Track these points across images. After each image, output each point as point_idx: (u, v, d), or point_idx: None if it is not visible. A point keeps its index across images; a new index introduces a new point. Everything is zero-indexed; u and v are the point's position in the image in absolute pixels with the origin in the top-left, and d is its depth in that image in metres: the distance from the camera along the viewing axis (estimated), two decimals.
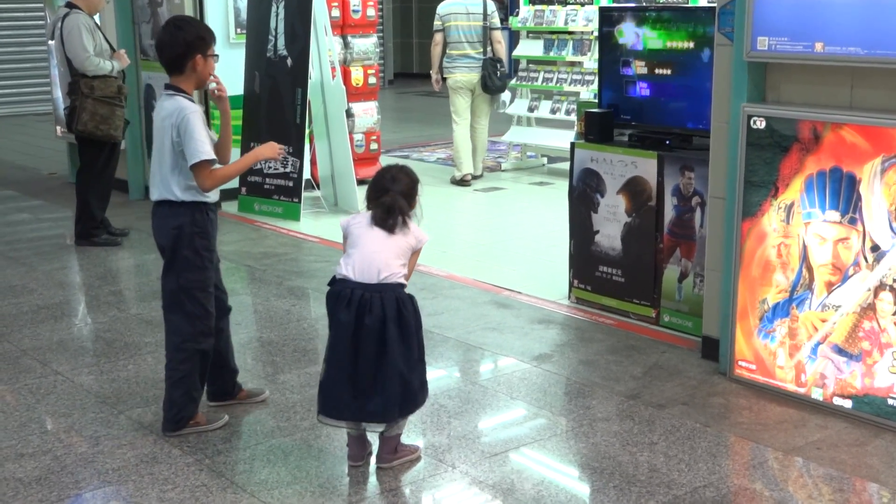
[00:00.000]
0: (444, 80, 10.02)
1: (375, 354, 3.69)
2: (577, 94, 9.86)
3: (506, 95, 10.16)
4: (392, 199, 3.77)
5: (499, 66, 9.74)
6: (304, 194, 8.31)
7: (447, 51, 9.85)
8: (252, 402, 4.46)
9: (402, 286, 3.77)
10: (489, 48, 9.78)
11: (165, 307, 4.20)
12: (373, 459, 3.92)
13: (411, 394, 3.77)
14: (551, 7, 10.12)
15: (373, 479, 3.85)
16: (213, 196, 4.14)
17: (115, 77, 7.29)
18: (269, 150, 4.29)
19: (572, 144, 5.86)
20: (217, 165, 4.09)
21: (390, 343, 3.68)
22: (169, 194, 4.07)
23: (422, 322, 3.83)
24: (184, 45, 4.04)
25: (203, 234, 4.12)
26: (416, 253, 3.84)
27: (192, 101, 4.07)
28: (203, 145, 3.97)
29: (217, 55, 4.17)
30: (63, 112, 7.81)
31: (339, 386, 3.74)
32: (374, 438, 3.94)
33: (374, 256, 3.73)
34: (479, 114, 9.98)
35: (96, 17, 7.62)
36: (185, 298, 4.13)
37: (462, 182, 9.84)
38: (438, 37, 9.89)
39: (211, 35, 4.16)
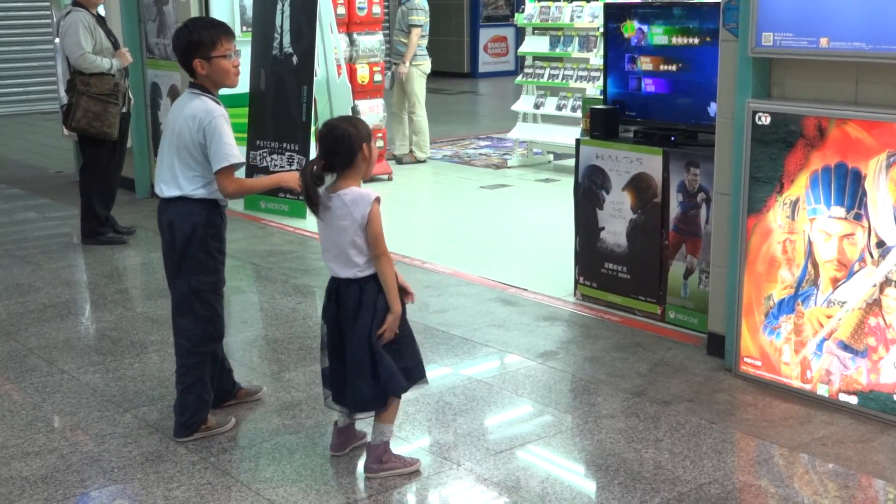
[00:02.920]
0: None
1: (342, 346, 3.76)
2: (583, 90, 9.85)
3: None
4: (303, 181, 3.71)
5: None
6: None
7: (419, 41, 10.57)
8: (253, 401, 4.46)
9: (361, 279, 3.68)
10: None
11: (175, 310, 4.13)
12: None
13: (377, 385, 3.71)
14: (557, 3, 10.14)
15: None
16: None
17: (111, 75, 7.26)
18: (292, 180, 4.09)
19: (578, 141, 5.85)
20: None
21: (348, 336, 3.72)
22: (183, 191, 3.98)
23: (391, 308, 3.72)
24: (181, 53, 4.00)
25: (217, 235, 4.07)
26: (370, 224, 3.64)
27: (219, 102, 4.02)
28: (231, 149, 3.93)
29: (237, 51, 4.05)
30: (61, 109, 7.84)
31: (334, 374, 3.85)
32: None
33: (328, 252, 3.74)
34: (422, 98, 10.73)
35: (103, 13, 7.62)
36: (196, 301, 4.06)
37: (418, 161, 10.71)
38: (421, 30, 10.58)
39: (211, 37, 3.98)
